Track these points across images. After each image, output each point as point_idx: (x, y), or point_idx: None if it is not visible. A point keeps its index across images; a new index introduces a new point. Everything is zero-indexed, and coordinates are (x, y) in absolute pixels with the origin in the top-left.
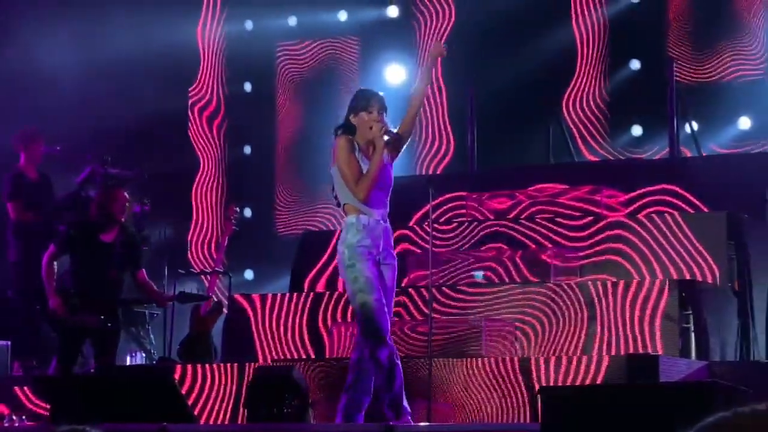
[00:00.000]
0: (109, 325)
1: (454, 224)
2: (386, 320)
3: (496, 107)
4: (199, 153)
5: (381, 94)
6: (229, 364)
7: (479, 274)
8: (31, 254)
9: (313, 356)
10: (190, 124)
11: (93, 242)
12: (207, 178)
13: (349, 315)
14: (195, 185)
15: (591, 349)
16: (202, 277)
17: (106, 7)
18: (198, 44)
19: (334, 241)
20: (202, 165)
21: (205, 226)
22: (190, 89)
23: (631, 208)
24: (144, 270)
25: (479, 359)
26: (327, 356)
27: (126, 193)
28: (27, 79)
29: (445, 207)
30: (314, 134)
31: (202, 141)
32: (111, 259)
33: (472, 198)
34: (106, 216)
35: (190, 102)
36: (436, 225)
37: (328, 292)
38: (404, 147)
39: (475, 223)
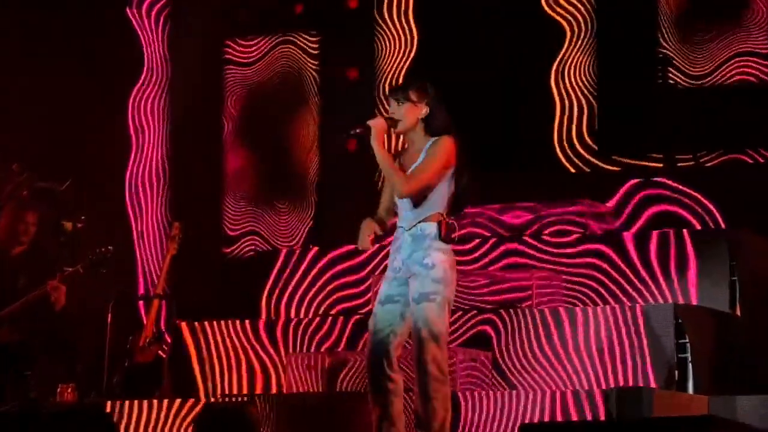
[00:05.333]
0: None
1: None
2: (375, 347)
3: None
4: (133, 163)
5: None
6: (173, 400)
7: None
8: None
9: (272, 391)
10: (131, 132)
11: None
12: (142, 190)
13: (306, 344)
14: (127, 198)
15: (576, 381)
16: (142, 302)
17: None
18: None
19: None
20: (132, 175)
21: (146, 244)
22: (134, 88)
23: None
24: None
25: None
26: (285, 392)
27: (32, 213)
28: None
29: None
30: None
31: (138, 150)
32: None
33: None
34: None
35: (132, 101)
36: None
37: (283, 318)
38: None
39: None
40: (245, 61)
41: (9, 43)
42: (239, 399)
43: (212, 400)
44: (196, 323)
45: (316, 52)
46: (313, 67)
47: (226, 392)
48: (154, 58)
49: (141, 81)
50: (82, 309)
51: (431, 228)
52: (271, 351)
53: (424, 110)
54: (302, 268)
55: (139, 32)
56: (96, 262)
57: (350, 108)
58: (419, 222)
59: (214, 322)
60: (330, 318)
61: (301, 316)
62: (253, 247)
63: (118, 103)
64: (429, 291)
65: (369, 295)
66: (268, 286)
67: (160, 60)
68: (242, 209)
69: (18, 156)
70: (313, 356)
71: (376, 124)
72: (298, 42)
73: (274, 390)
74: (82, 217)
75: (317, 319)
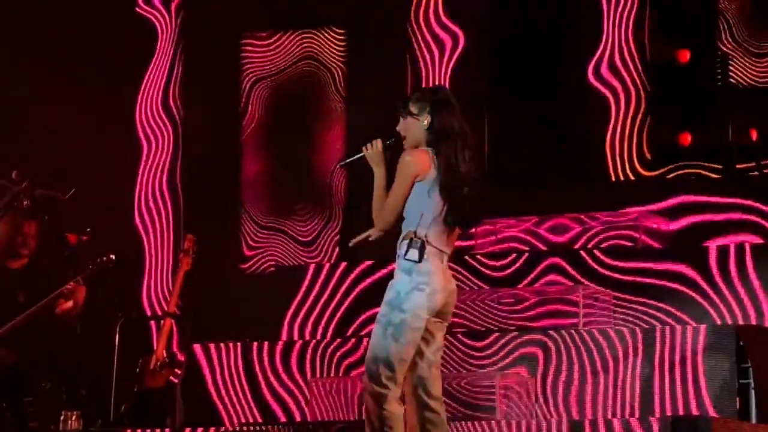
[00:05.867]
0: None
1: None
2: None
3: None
4: (143, 170)
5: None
6: (188, 429)
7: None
8: None
9: (295, 419)
10: (138, 133)
11: None
12: (153, 199)
13: (333, 368)
14: (137, 207)
15: (627, 409)
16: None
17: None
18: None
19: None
20: (142, 182)
21: (156, 259)
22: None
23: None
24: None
25: (492, 423)
26: (309, 419)
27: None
28: None
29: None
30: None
31: (150, 155)
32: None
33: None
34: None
35: (139, 100)
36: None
37: (306, 339)
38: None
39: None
40: (265, 58)
41: (11, 45)
42: (260, 428)
43: (230, 429)
44: (211, 345)
45: (342, 49)
46: (339, 65)
47: (245, 421)
48: (167, 56)
49: (149, 73)
50: (87, 328)
51: (403, 247)
52: (292, 376)
53: (426, 121)
54: (330, 284)
55: (155, 23)
56: (97, 271)
57: (380, 109)
58: (401, 241)
59: (231, 344)
60: (355, 339)
61: (327, 337)
62: (273, 262)
63: (127, 107)
64: (379, 313)
65: None
66: (294, 305)
67: (173, 58)
68: (262, 220)
69: (18, 162)
70: (340, 381)
71: (371, 149)
72: (323, 38)
73: (297, 418)
74: (88, 230)
75: (338, 339)
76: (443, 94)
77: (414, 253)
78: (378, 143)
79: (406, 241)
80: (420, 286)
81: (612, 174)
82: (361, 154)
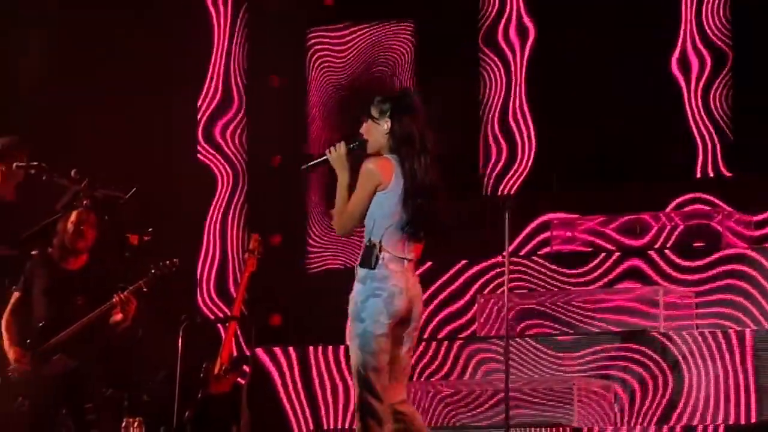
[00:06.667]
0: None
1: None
2: None
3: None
4: (212, 168)
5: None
6: None
7: None
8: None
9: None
10: (199, 132)
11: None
12: (223, 200)
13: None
14: (211, 210)
15: (708, 414)
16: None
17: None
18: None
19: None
20: (218, 183)
21: (219, 260)
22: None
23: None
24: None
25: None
26: None
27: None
28: None
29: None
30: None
31: (215, 152)
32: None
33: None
34: (65, 246)
35: (199, 103)
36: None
37: None
38: None
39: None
40: (331, 53)
41: (75, 43)
42: None
43: None
44: (276, 349)
45: (411, 43)
46: (408, 60)
47: (313, 427)
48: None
49: (212, 70)
50: (149, 333)
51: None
52: None
53: (386, 125)
54: None
55: (214, 21)
56: (160, 276)
57: (450, 106)
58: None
59: (299, 348)
60: (435, 343)
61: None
62: (341, 264)
63: (190, 105)
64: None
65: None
66: None
67: (235, 52)
68: (329, 217)
69: (78, 161)
70: (417, 387)
71: (335, 152)
72: (391, 32)
73: None
74: (149, 230)
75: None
76: (406, 100)
77: (367, 261)
78: (341, 146)
79: (363, 250)
80: (376, 292)
81: (698, 171)
82: (325, 157)
